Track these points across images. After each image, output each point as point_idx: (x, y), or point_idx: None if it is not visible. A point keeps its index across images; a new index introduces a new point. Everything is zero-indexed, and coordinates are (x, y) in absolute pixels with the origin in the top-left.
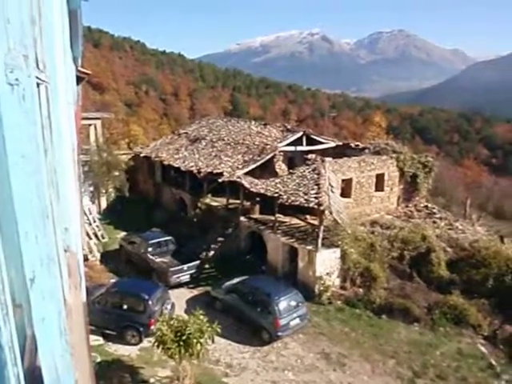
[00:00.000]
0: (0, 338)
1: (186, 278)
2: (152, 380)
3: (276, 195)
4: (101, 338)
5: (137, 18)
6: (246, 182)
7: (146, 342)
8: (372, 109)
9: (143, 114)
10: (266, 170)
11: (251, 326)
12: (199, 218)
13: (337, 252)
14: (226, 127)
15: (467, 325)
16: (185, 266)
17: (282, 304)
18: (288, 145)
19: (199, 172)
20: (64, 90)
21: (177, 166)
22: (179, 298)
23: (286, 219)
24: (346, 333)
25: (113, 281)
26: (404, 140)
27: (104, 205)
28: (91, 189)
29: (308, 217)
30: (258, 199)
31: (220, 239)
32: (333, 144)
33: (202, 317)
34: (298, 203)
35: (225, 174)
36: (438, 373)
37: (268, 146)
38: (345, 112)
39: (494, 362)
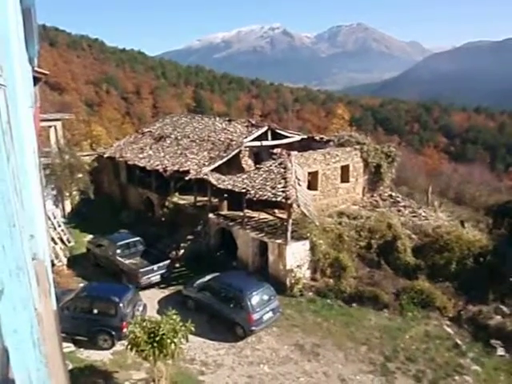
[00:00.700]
0: None
1: (156, 278)
2: (127, 383)
3: (244, 191)
4: (72, 345)
5: (94, 16)
6: (213, 178)
7: (119, 346)
8: (334, 101)
9: (105, 113)
10: (232, 165)
11: (225, 322)
12: (167, 217)
13: (306, 244)
14: (190, 124)
15: (433, 308)
16: (155, 267)
17: (255, 299)
18: (253, 140)
19: (165, 171)
20: (23, 93)
21: (142, 165)
22: (151, 299)
23: (255, 214)
24: (319, 323)
25: (81, 285)
26: (367, 131)
27: (68, 208)
28: (54, 192)
29: (276, 211)
30: (225, 195)
31: (189, 237)
32: (298, 138)
33: (174, 316)
34: (265, 198)
35: (191, 171)
36: (407, 356)
37: (233, 142)
38: (308, 105)
39: (459, 342)
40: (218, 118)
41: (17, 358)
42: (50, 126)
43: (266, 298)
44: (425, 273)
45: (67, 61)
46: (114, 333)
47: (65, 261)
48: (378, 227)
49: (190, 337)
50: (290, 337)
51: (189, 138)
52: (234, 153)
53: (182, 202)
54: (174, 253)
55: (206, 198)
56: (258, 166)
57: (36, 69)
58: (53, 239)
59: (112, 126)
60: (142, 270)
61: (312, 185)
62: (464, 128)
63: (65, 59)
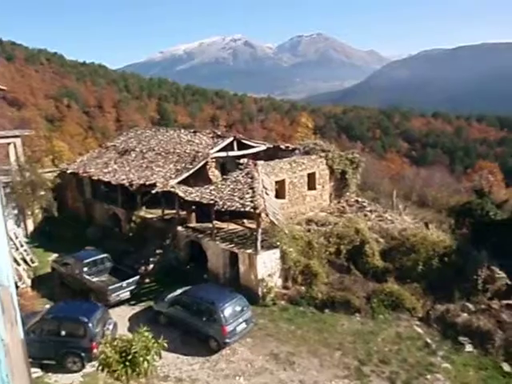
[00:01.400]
0: None
1: (126, 295)
2: None
3: (212, 202)
4: (39, 370)
5: (53, 30)
6: (181, 191)
7: (89, 367)
8: (298, 110)
9: (67, 128)
10: (199, 177)
11: (198, 336)
12: (135, 231)
13: (276, 253)
14: (155, 137)
15: (403, 309)
16: (124, 283)
17: (227, 310)
18: (219, 151)
19: (131, 185)
20: None
21: (107, 180)
22: (121, 317)
23: (224, 225)
24: (292, 331)
25: (47, 307)
26: (331, 139)
27: (31, 227)
28: (15, 211)
29: (245, 221)
30: (193, 207)
31: (158, 251)
32: (263, 147)
33: (146, 333)
34: (234, 208)
35: (158, 184)
36: (381, 358)
37: (199, 154)
38: (272, 115)
39: (429, 341)
40: (182, 130)
41: None
42: (9, 143)
43: (238, 309)
44: (393, 275)
45: (25, 75)
46: (83, 354)
47: (29, 282)
48: (346, 233)
49: (163, 353)
50: (265, 347)
51: (154, 150)
52: (200, 164)
53: (149, 216)
54: (143, 268)
55: (173, 211)
56: (225, 176)
57: None
58: (15, 260)
59: (74, 141)
60: (110, 287)
61: (279, 193)
62: (423, 133)
63: (22, 74)
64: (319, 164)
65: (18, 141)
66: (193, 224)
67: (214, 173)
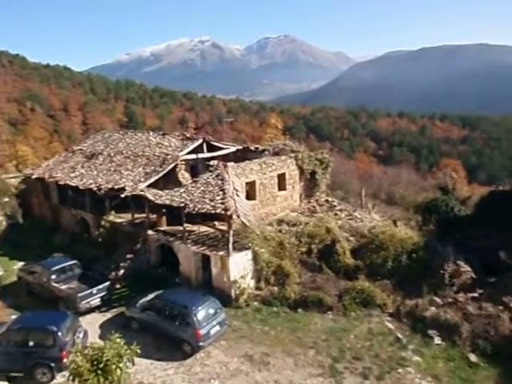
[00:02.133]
0: None
1: (96, 301)
2: None
3: (182, 205)
4: (6, 383)
5: (15, 32)
6: (150, 194)
7: (60, 378)
8: (267, 111)
9: (30, 132)
10: (169, 180)
11: (171, 340)
12: (104, 236)
13: (248, 254)
14: (123, 140)
15: (374, 305)
16: (94, 290)
17: (201, 314)
18: (189, 153)
19: (99, 189)
20: None
21: (74, 184)
22: (92, 324)
23: (195, 228)
24: (266, 332)
25: (14, 317)
26: (300, 139)
27: None
28: None
29: (217, 223)
30: (164, 211)
31: (129, 256)
32: (233, 149)
33: (118, 340)
34: (204, 210)
35: (127, 188)
36: (354, 355)
37: (169, 156)
38: (241, 116)
39: (400, 336)
40: (151, 133)
41: None
42: None
43: (211, 311)
44: (364, 273)
45: None
46: (53, 364)
47: None
48: (317, 232)
49: (136, 359)
50: (239, 348)
51: (122, 154)
52: (170, 167)
53: (118, 220)
54: (113, 273)
55: (143, 215)
56: (195, 179)
57: None
58: None
59: (39, 146)
60: (80, 294)
61: (250, 195)
62: (390, 132)
63: None
64: (289, 164)
65: None
66: (163, 227)
67: (183, 175)
